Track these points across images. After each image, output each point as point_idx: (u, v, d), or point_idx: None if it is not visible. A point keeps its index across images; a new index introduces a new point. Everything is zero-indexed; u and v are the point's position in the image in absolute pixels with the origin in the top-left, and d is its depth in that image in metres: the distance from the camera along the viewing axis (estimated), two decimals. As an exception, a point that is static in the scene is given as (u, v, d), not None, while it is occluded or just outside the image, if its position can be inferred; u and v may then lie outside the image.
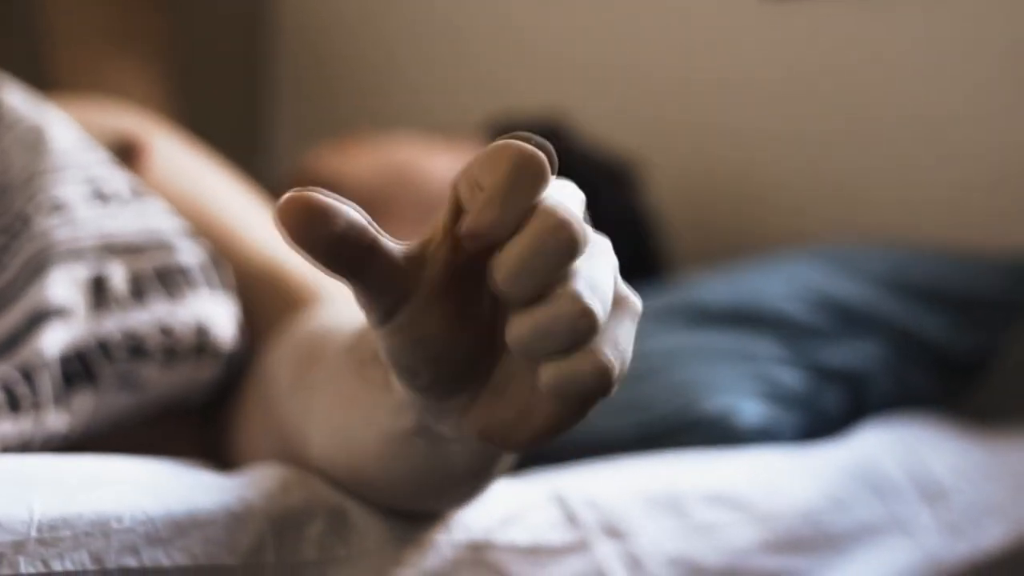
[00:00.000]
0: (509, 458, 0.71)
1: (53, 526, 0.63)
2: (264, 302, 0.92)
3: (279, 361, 0.85)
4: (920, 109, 1.42)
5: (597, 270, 0.52)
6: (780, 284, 1.20)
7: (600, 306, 0.51)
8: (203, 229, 0.93)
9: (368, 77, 1.92)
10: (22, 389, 0.78)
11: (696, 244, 1.51)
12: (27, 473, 0.66)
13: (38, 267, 0.84)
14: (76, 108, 1.00)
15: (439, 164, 1.29)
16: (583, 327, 0.50)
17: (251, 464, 0.81)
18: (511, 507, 0.80)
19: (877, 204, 1.44)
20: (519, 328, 0.51)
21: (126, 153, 0.95)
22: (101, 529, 0.65)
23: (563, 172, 1.35)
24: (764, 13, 1.52)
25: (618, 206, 1.39)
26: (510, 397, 0.56)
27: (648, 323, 1.16)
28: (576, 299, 0.50)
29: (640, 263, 1.38)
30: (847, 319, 1.18)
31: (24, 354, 0.80)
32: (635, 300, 0.54)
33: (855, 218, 1.45)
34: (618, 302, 0.54)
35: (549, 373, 0.51)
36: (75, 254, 0.85)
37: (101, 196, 0.89)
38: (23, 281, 0.83)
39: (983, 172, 1.39)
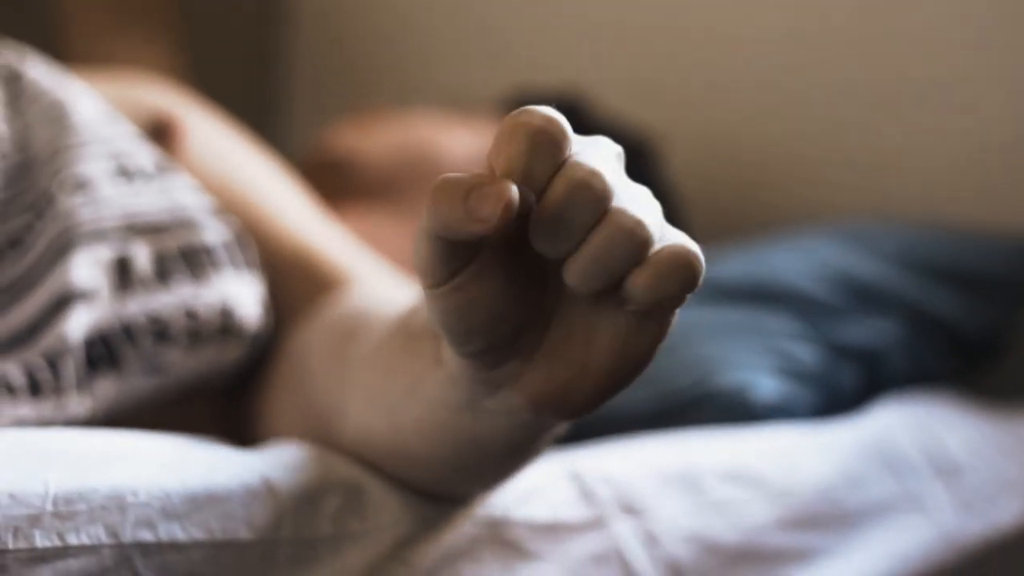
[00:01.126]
0: (546, 441, 0.71)
1: (69, 500, 0.63)
2: (296, 284, 0.92)
3: (313, 340, 0.85)
4: (942, 79, 1.41)
5: (641, 200, 0.53)
6: (796, 261, 1.20)
7: (649, 218, 0.52)
8: (236, 211, 0.93)
9: (384, 52, 1.91)
10: (44, 375, 0.78)
11: (712, 218, 1.51)
12: (42, 447, 0.66)
13: (61, 248, 0.83)
14: (107, 82, 0.99)
15: (457, 141, 1.28)
16: (640, 236, 0.52)
17: (276, 441, 0.81)
18: (528, 484, 0.80)
19: (896, 175, 1.44)
20: (577, 262, 0.52)
21: (160, 132, 0.94)
22: (117, 503, 0.65)
23: None
24: None
25: (638, 182, 1.38)
26: (563, 361, 0.56)
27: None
28: (624, 215, 0.52)
29: None
30: (863, 297, 1.18)
31: (48, 339, 0.80)
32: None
33: (873, 191, 1.44)
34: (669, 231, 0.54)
35: (636, 285, 0.52)
36: (99, 235, 0.85)
37: (125, 172, 0.88)
38: (47, 263, 0.83)
39: (1004, 144, 1.38)
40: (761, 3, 1.53)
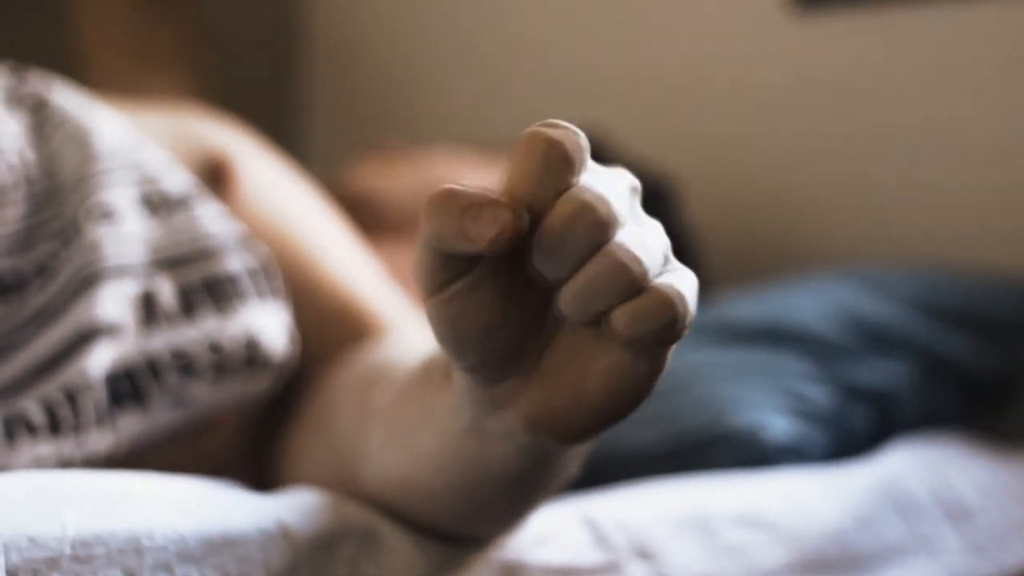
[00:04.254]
0: (555, 477, 0.71)
1: (86, 543, 0.63)
2: (333, 330, 0.92)
3: (341, 385, 0.85)
4: (949, 125, 1.42)
5: (645, 236, 0.53)
6: (809, 303, 1.20)
7: (646, 254, 0.52)
8: (284, 254, 0.93)
9: (399, 90, 1.92)
10: (64, 412, 0.79)
11: (727, 259, 1.51)
12: (60, 489, 0.66)
13: (86, 281, 0.83)
14: (160, 115, 0.99)
15: (477, 181, 1.29)
16: (632, 273, 0.52)
17: (302, 481, 0.82)
18: (543, 529, 0.80)
19: (907, 218, 1.44)
20: (569, 289, 0.53)
21: (214, 174, 0.94)
22: (134, 546, 0.65)
23: None
24: (791, 29, 1.52)
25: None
26: (559, 386, 0.56)
27: (684, 339, 1.17)
28: (621, 248, 0.52)
29: None
30: (875, 339, 1.18)
31: (69, 374, 0.80)
32: (691, 272, 0.55)
33: (886, 232, 1.45)
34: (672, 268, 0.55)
35: (617, 320, 0.52)
36: (123, 270, 0.85)
37: (151, 202, 0.89)
38: (70, 294, 0.83)
39: (1015, 188, 1.39)
40: (774, 52, 1.54)
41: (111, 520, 0.65)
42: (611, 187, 0.53)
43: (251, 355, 0.87)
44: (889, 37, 1.45)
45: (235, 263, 0.89)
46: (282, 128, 2.03)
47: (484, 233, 0.51)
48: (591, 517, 0.84)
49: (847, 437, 1.11)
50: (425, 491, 0.73)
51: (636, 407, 0.56)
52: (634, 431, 1.09)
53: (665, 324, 0.52)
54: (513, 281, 0.56)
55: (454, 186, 0.52)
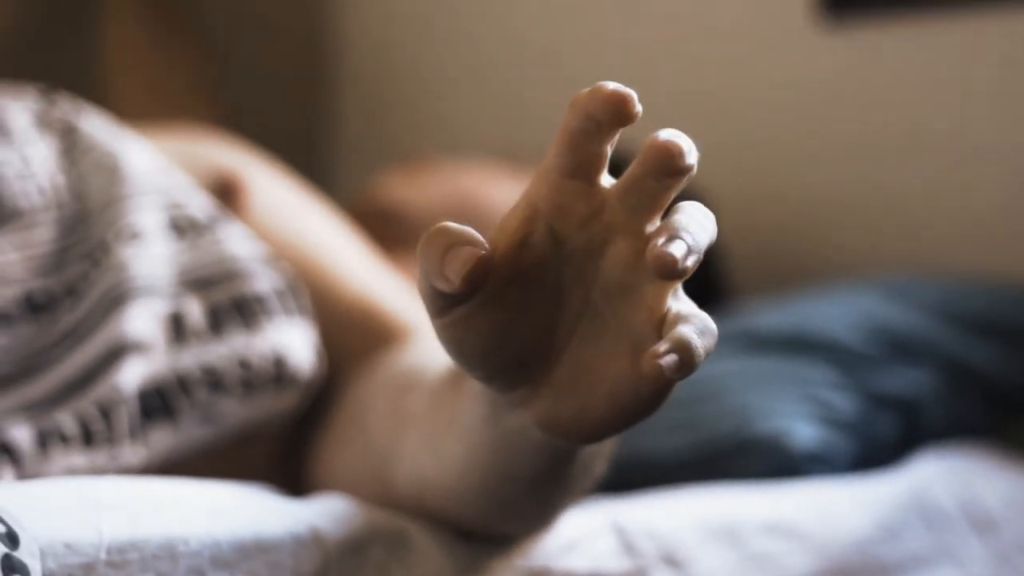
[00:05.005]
0: (577, 477, 0.72)
1: (122, 549, 0.64)
2: (357, 337, 0.93)
3: (372, 393, 0.86)
4: (976, 135, 1.42)
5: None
6: (835, 312, 1.21)
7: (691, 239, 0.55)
8: (300, 265, 0.94)
9: (428, 101, 1.93)
10: (98, 426, 0.80)
11: (753, 267, 1.51)
12: (96, 496, 0.67)
13: (117, 299, 0.85)
14: (170, 138, 1.01)
15: (504, 193, 1.29)
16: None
17: (336, 487, 0.83)
18: (569, 535, 0.80)
19: (935, 227, 1.44)
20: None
21: (224, 191, 0.95)
22: (168, 552, 0.66)
23: None
24: (817, 40, 1.52)
25: None
26: (566, 399, 0.58)
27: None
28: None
29: (706, 290, 1.38)
30: (900, 347, 1.19)
31: (102, 389, 0.81)
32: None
33: (913, 241, 1.45)
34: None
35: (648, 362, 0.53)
36: (152, 289, 0.86)
37: (178, 226, 0.90)
38: (101, 313, 0.84)
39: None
40: (799, 63, 1.54)
41: (146, 526, 0.66)
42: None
43: (279, 372, 0.88)
44: (916, 48, 1.45)
45: (263, 283, 0.90)
46: (312, 140, 2.04)
47: (458, 274, 0.52)
48: (619, 524, 0.84)
49: (872, 444, 1.12)
50: (453, 493, 0.74)
51: (636, 423, 0.57)
52: (661, 438, 1.10)
53: (680, 371, 0.53)
54: (523, 297, 0.57)
55: (445, 224, 0.54)
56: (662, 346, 0.52)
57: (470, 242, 0.53)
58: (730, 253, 1.47)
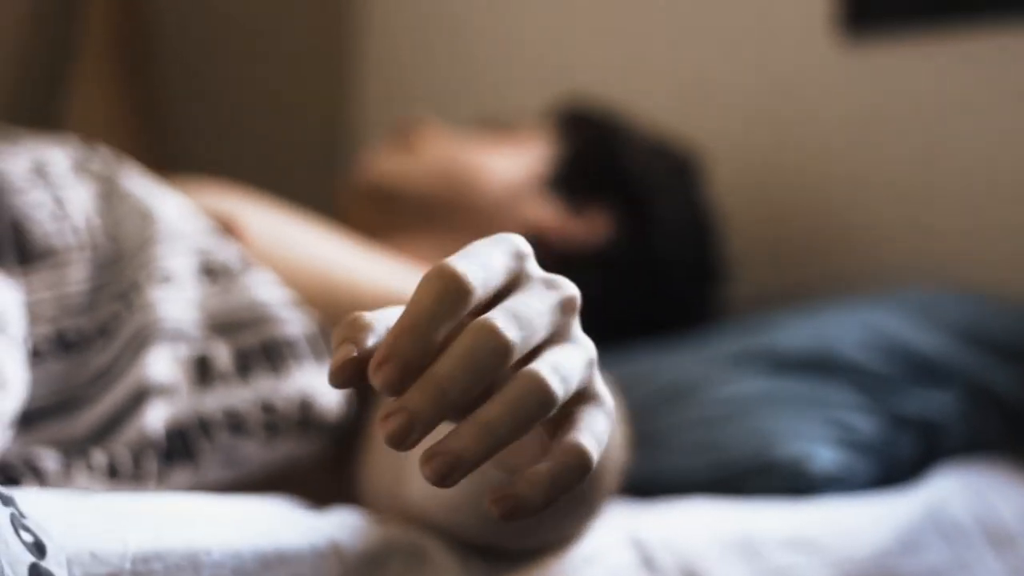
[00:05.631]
0: (585, 493, 0.72)
1: (146, 559, 0.65)
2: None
3: None
4: (995, 155, 1.42)
5: (561, 359, 0.54)
6: (856, 332, 1.21)
7: (561, 385, 0.52)
8: (316, 287, 0.95)
9: (448, 59, 1.93)
10: (125, 465, 0.81)
11: (776, 282, 1.52)
12: (121, 508, 0.68)
13: (142, 342, 0.86)
14: (179, 190, 1.03)
15: (498, 166, 1.31)
16: (544, 405, 0.52)
17: (367, 498, 0.84)
18: (588, 549, 0.81)
19: (950, 244, 1.44)
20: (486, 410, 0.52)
21: (224, 231, 0.97)
22: (192, 562, 0.66)
23: (619, 167, 1.36)
24: (839, 56, 1.52)
25: (680, 202, 1.38)
26: (503, 465, 0.59)
27: (726, 368, 1.19)
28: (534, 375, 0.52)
29: (702, 263, 1.39)
30: (922, 369, 1.19)
31: (130, 432, 0.83)
32: (609, 399, 0.56)
33: (928, 257, 1.45)
34: (590, 397, 0.55)
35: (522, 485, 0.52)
36: (179, 333, 0.87)
37: (209, 271, 0.92)
38: (128, 357, 0.86)
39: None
40: (820, 79, 1.54)
41: (170, 537, 0.67)
42: (531, 309, 0.54)
43: (305, 416, 0.89)
44: (937, 64, 1.45)
45: (293, 328, 0.91)
46: (337, 100, 2.04)
47: (332, 372, 0.52)
48: (638, 537, 0.85)
49: (893, 466, 1.12)
50: (456, 507, 0.75)
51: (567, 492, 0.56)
52: (683, 458, 1.11)
53: (574, 479, 0.53)
54: None
55: (354, 316, 0.53)
56: (507, 487, 0.52)
57: (355, 341, 0.52)
58: (745, 268, 1.47)
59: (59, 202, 0.90)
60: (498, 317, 0.52)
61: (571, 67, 1.76)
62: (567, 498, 0.71)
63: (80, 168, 0.95)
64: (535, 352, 0.54)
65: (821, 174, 1.53)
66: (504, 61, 1.85)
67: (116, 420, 0.83)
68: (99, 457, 0.80)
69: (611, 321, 1.27)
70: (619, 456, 0.78)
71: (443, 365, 0.51)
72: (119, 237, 0.91)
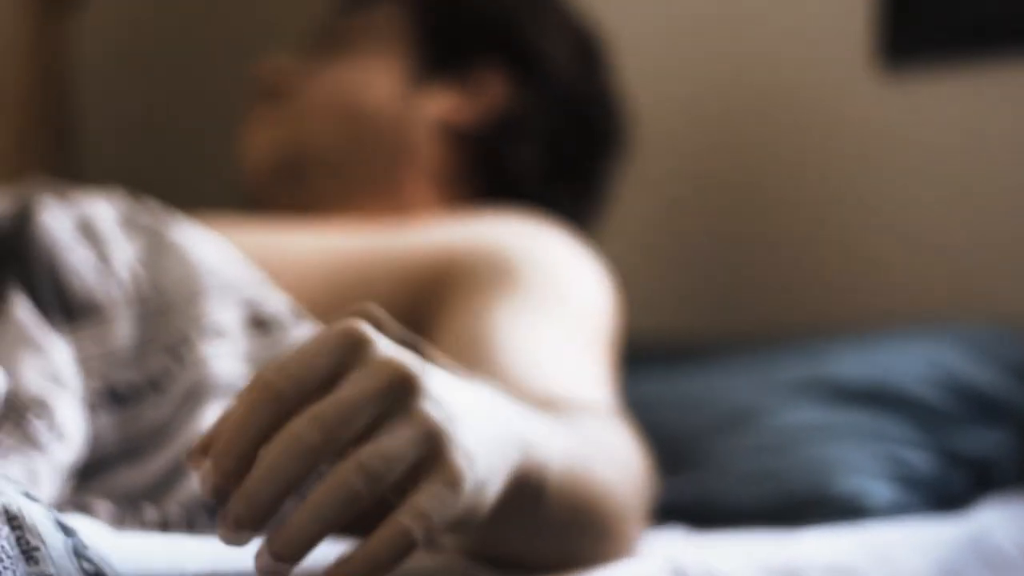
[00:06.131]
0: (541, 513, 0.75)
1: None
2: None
3: None
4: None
5: (382, 446, 0.58)
6: (913, 366, 1.22)
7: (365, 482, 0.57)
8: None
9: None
10: (179, 525, 0.83)
11: (804, 309, 1.53)
12: (179, 543, 0.71)
13: (197, 399, 0.88)
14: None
15: (374, 81, 1.26)
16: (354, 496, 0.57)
17: None
18: (626, 574, 0.84)
19: (985, 277, 1.44)
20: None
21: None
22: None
23: (529, 38, 1.29)
24: (877, 88, 1.52)
25: (579, 78, 1.31)
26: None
27: (785, 395, 1.21)
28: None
29: (593, 138, 1.33)
30: (979, 405, 1.20)
31: (182, 491, 0.85)
32: (459, 470, 0.60)
33: (963, 291, 1.45)
34: (427, 471, 0.60)
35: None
36: (231, 388, 0.89)
37: (259, 323, 0.94)
38: (184, 414, 0.88)
39: None
40: (858, 112, 1.53)
41: (228, 568, 0.68)
42: (344, 404, 0.58)
43: None
44: (979, 96, 1.45)
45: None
46: None
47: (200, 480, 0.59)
48: (678, 565, 0.86)
49: (945, 500, 1.14)
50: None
51: None
52: (739, 486, 1.14)
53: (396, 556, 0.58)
54: None
55: (211, 434, 0.60)
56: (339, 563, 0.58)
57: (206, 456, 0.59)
58: (789, 293, 1.48)
59: (104, 258, 0.92)
60: (299, 422, 0.58)
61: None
62: (533, 523, 0.74)
63: (128, 222, 0.96)
64: (360, 441, 0.59)
65: (859, 206, 1.53)
66: None
67: (171, 477, 0.85)
68: (152, 513, 0.82)
69: (519, 191, 1.25)
70: (631, 482, 0.82)
71: (254, 477, 0.57)
72: (166, 289, 0.92)
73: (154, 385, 0.89)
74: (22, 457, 0.77)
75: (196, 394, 0.88)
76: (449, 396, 0.63)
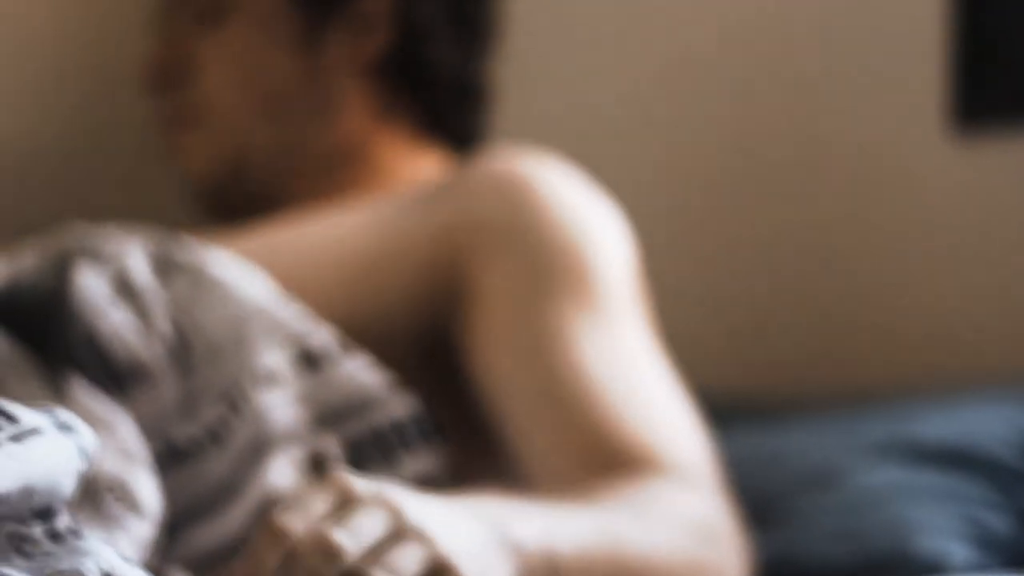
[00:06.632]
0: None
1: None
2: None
3: None
4: None
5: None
6: (995, 427, 1.23)
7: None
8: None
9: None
10: None
11: (885, 372, 1.54)
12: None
13: (259, 451, 0.89)
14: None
15: (270, 45, 1.22)
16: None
17: None
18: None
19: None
20: None
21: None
22: None
23: None
24: (952, 151, 1.52)
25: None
26: None
27: (867, 455, 1.21)
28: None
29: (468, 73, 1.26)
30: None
31: None
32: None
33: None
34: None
35: None
36: (290, 435, 0.90)
37: (309, 358, 0.93)
38: (248, 469, 0.88)
39: None
40: (932, 175, 1.54)
41: None
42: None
43: None
44: None
45: (397, 410, 0.93)
46: None
47: None
48: None
49: (1020, 562, 1.14)
50: None
51: None
52: (822, 546, 1.14)
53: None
54: None
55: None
56: None
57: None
58: (866, 352, 1.48)
59: (144, 314, 0.90)
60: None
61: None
62: None
63: (164, 266, 0.94)
64: None
65: (937, 266, 1.53)
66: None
67: (246, 535, 0.85)
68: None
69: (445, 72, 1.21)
70: (695, 548, 0.85)
71: None
72: (212, 332, 0.92)
73: (213, 436, 0.89)
74: (104, 534, 0.77)
75: (258, 449, 0.89)
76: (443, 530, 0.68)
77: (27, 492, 0.56)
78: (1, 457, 0.55)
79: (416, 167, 1.18)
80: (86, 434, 0.61)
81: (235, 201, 1.21)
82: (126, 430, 0.85)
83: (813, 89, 1.63)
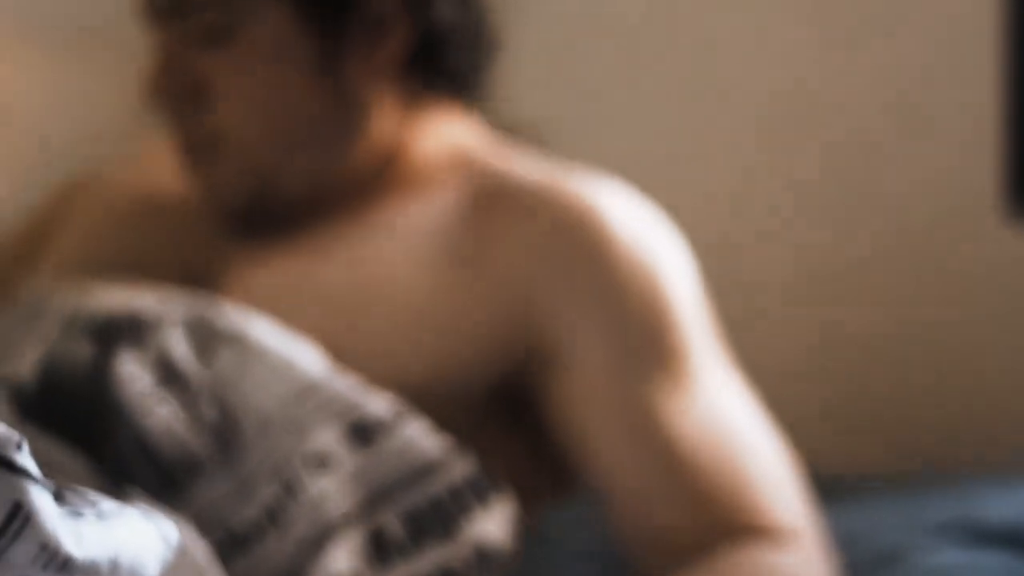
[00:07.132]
0: None
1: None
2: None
3: None
4: None
5: None
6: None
7: None
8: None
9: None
10: None
11: (953, 446, 1.53)
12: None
13: (317, 542, 0.89)
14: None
15: (291, 65, 1.13)
16: None
17: None
18: None
19: None
20: None
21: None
22: None
23: None
24: (1007, 234, 1.54)
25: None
26: None
27: (932, 536, 1.22)
28: None
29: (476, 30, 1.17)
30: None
31: None
32: None
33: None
34: None
35: None
36: (348, 518, 0.90)
37: (362, 430, 0.93)
38: (307, 558, 0.89)
39: None
40: (987, 255, 1.55)
41: None
42: None
43: (481, 561, 0.92)
44: None
45: (455, 475, 0.93)
46: None
47: None
48: None
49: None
50: None
51: None
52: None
53: None
54: None
55: None
56: None
57: None
58: (928, 433, 1.47)
59: (189, 403, 0.91)
60: None
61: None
62: None
63: (206, 338, 0.94)
64: None
65: (995, 348, 1.53)
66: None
67: None
68: None
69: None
70: None
71: None
72: (261, 407, 0.91)
73: (271, 518, 0.90)
74: None
75: (315, 534, 0.89)
76: None
77: (114, 566, 0.56)
78: (90, 528, 0.55)
79: (449, 136, 1.15)
80: (168, 525, 0.61)
81: (262, 219, 1.13)
82: (191, 543, 0.84)
83: (870, 174, 1.63)
